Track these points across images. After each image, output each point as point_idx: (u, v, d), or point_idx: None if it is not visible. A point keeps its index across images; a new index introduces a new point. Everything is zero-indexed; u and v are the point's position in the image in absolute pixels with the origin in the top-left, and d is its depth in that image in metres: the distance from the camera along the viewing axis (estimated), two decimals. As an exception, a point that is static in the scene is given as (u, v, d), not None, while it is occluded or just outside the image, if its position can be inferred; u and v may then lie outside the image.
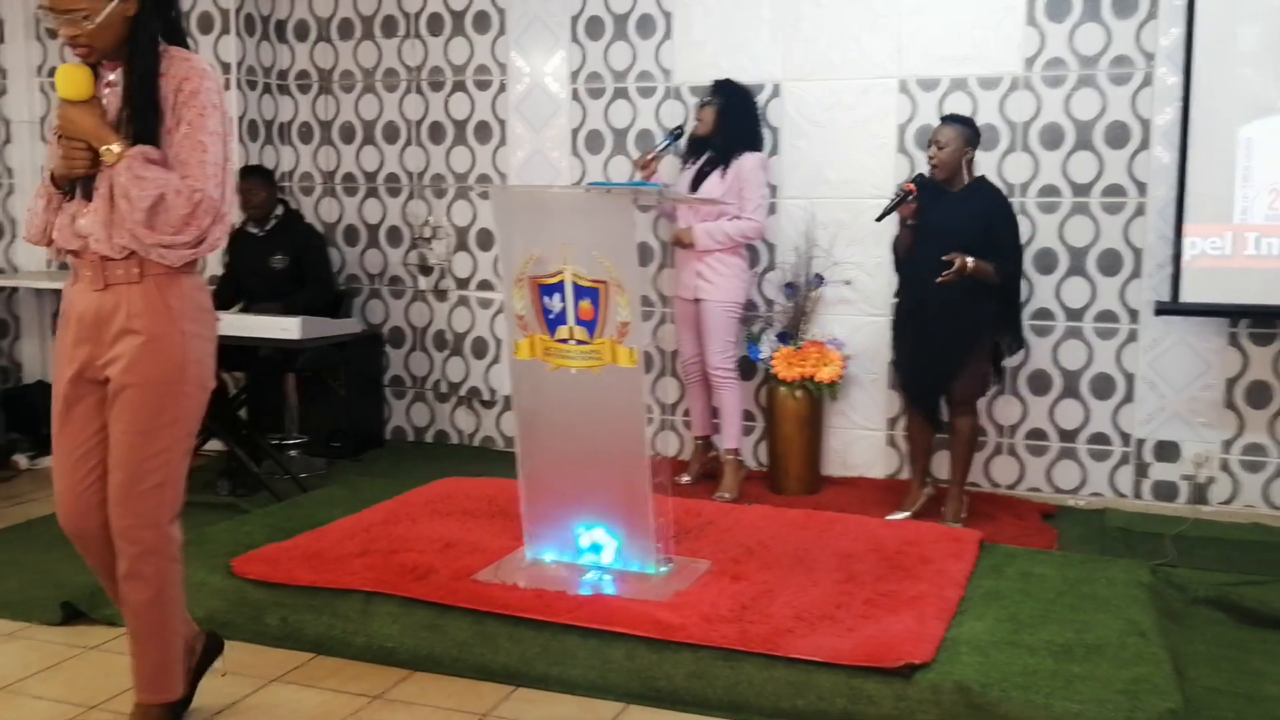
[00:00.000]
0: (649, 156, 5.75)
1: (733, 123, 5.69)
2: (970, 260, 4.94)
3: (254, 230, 6.41)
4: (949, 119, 5.25)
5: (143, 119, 2.97)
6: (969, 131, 5.18)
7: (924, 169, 5.38)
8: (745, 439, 6.20)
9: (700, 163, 5.77)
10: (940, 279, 4.95)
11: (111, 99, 3.03)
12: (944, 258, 4.93)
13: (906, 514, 5.33)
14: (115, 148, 2.92)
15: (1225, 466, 5.60)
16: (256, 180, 6.37)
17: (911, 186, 5.13)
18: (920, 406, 5.37)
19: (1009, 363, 5.59)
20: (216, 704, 3.56)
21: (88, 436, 3.10)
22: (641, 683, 3.61)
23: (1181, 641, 3.93)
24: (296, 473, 6.00)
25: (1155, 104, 5.52)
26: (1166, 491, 5.69)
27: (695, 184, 5.73)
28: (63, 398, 3.10)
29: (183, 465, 3.14)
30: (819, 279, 5.93)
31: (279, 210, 6.45)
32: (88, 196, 3.00)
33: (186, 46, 3.11)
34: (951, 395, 5.26)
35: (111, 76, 3.04)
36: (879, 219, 5.27)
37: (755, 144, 5.76)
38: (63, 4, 2.88)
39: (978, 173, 5.26)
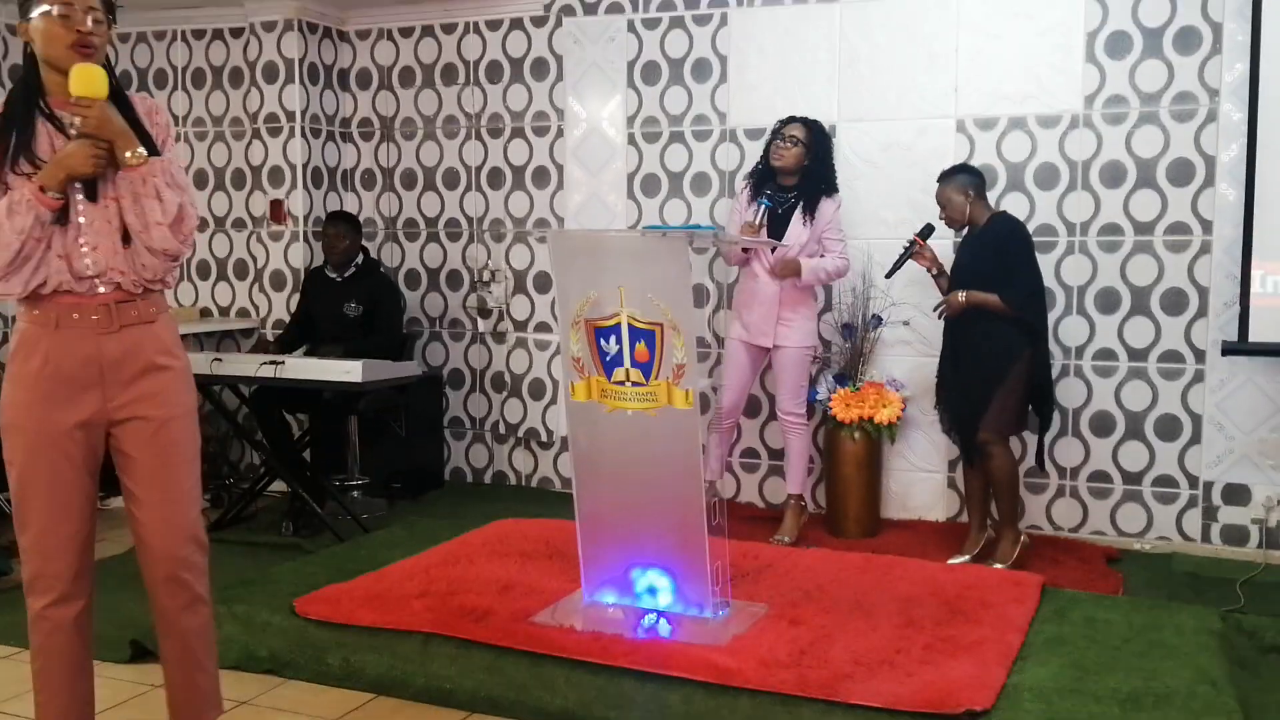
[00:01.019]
0: (756, 224, 5.51)
1: (819, 167, 5.62)
2: (962, 295, 5.08)
3: (332, 275, 6.46)
4: (944, 175, 5.33)
5: (140, 130, 2.96)
6: (964, 177, 5.26)
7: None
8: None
9: (783, 209, 5.62)
10: (936, 313, 5.20)
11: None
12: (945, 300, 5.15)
13: (966, 558, 5.27)
14: (144, 150, 2.90)
15: (1296, 510, 5.49)
16: (343, 226, 6.44)
17: (917, 239, 5.28)
18: (958, 445, 5.36)
19: (1067, 403, 5.52)
20: (277, 745, 3.58)
21: (91, 487, 3.07)
22: (698, 728, 3.58)
23: (1253, 691, 3.83)
24: (358, 514, 6.03)
25: (1220, 140, 5.45)
26: (1236, 536, 5.57)
27: (776, 227, 5.57)
28: (59, 448, 2.97)
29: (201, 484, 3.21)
30: (877, 320, 5.90)
31: (359, 258, 6.49)
32: (63, 221, 2.88)
33: None
34: (978, 435, 5.19)
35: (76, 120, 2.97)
36: (888, 276, 5.45)
37: (834, 188, 5.68)
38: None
39: (999, 208, 5.34)
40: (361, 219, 7.23)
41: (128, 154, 2.88)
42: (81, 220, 2.90)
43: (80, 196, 2.91)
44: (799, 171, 5.60)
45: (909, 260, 5.39)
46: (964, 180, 5.24)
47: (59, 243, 2.89)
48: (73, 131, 2.87)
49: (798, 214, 5.57)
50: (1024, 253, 5.17)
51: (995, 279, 5.04)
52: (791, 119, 5.65)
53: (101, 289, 2.94)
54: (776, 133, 5.64)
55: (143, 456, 3.03)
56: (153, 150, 2.95)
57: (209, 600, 3.20)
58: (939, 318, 5.31)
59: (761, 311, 5.63)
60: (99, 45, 2.91)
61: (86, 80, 2.83)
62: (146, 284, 2.99)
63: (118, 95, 2.93)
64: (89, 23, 2.87)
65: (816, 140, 5.62)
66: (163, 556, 3.07)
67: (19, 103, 2.95)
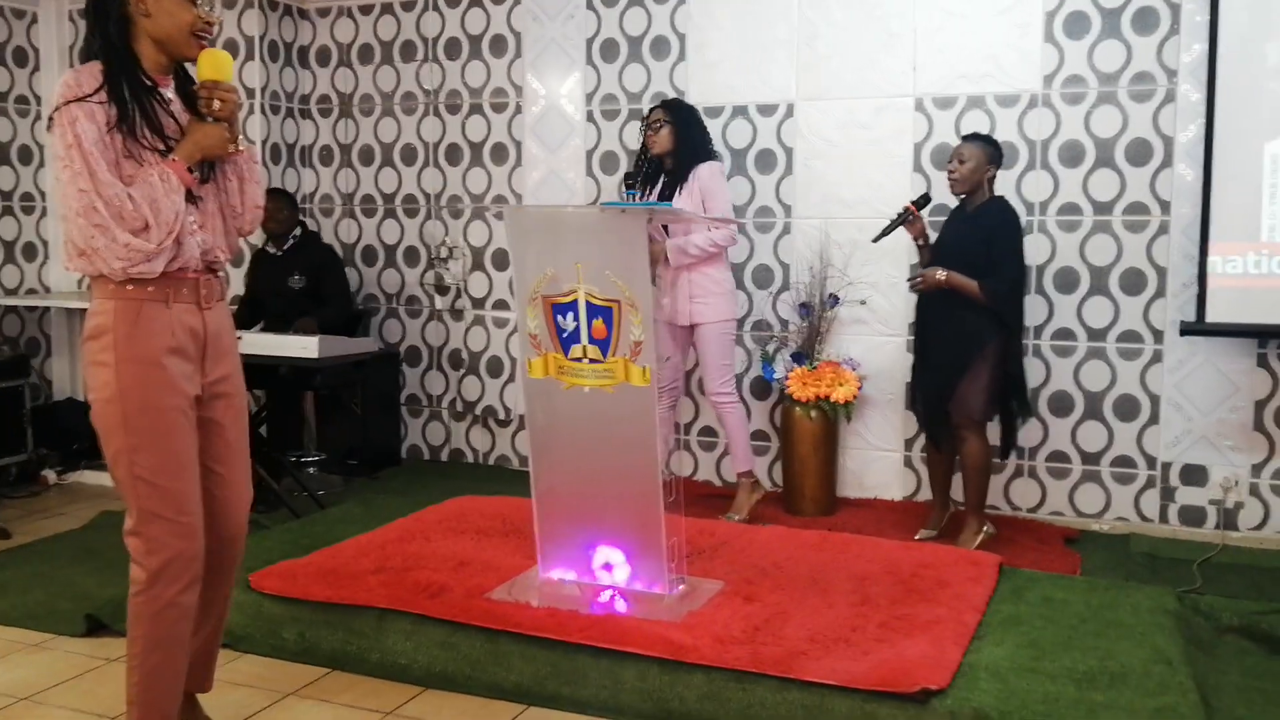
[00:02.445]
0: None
1: (690, 140, 5.63)
2: (942, 273, 5.02)
3: (272, 250, 6.48)
4: (972, 136, 5.23)
5: None
6: (992, 150, 5.16)
7: (939, 187, 5.35)
8: (760, 460, 6.16)
9: (659, 187, 5.70)
10: (914, 286, 5.14)
11: (175, 105, 3.02)
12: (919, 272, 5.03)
13: (933, 532, 5.31)
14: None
15: (1255, 491, 5.50)
16: (281, 200, 6.43)
17: (912, 206, 5.16)
18: (923, 425, 5.35)
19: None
20: (234, 717, 3.59)
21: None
22: (653, 704, 3.57)
23: (1209, 671, 3.85)
24: (314, 490, 6.01)
25: (1178, 121, 5.46)
26: (1194, 516, 5.60)
27: None
28: (184, 417, 2.97)
29: None
30: (834, 299, 5.89)
31: (296, 231, 6.49)
32: (191, 200, 2.95)
33: None
34: (950, 415, 5.19)
35: (169, 94, 3.03)
36: (876, 240, 5.36)
37: (708, 154, 5.69)
38: None
39: (999, 192, 5.22)
40: (319, 195, 7.22)
41: (240, 140, 3.00)
42: (199, 199, 2.98)
43: (196, 175, 2.96)
44: (675, 151, 5.63)
45: (899, 228, 5.29)
46: (989, 151, 5.16)
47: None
48: (209, 115, 2.93)
49: (677, 190, 5.59)
50: (1013, 244, 5.12)
51: (978, 265, 5.00)
52: (653, 107, 5.75)
53: (199, 266, 2.98)
54: (643, 123, 5.77)
55: (230, 430, 3.11)
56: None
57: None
58: (911, 289, 5.28)
59: (674, 292, 5.67)
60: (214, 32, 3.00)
61: (220, 65, 2.94)
62: (228, 262, 3.10)
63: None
64: (216, 9, 2.95)
65: (679, 116, 5.66)
66: (238, 526, 3.21)
67: (121, 75, 2.89)
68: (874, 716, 3.34)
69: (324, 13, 7.16)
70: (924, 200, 5.34)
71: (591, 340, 3.99)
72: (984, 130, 5.56)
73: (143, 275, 2.86)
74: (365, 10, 7.06)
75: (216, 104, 2.91)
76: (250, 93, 6.89)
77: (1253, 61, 5.21)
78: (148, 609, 2.97)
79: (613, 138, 6.48)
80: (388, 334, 7.16)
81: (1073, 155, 5.64)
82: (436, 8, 6.88)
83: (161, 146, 2.89)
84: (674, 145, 5.62)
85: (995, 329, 5.09)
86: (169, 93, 2.99)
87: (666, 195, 5.64)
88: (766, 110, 6.03)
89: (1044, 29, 5.63)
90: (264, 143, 6.93)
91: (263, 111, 6.93)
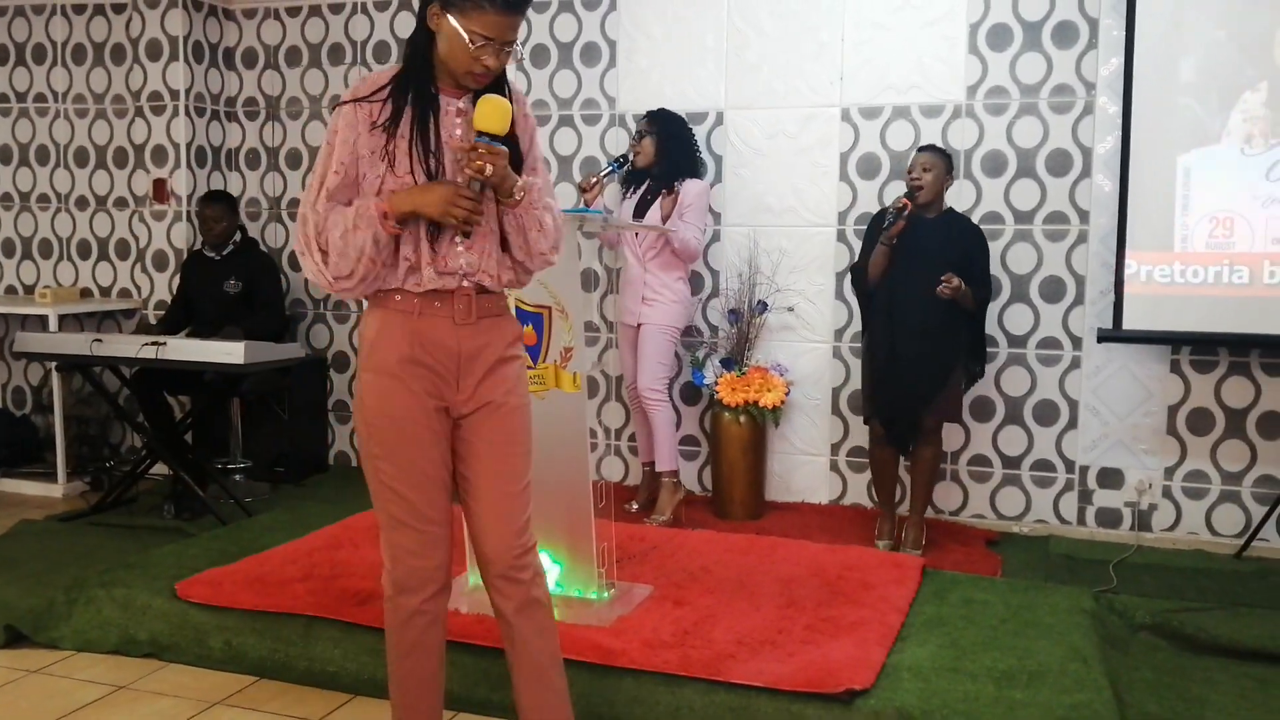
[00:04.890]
0: (593, 180, 5.67)
1: (672, 152, 5.71)
2: (956, 280, 5.01)
3: (210, 254, 6.43)
4: (930, 148, 5.31)
5: (515, 148, 2.85)
6: (948, 162, 5.26)
7: (867, 198, 5.45)
8: (689, 464, 6.23)
9: (642, 191, 5.79)
10: (942, 291, 4.98)
11: (465, 127, 2.85)
12: (943, 277, 4.97)
13: (892, 542, 5.36)
14: (524, 183, 2.81)
15: (1168, 493, 5.64)
16: (221, 206, 6.38)
17: (907, 202, 5.09)
18: (895, 434, 5.36)
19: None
20: (157, 730, 3.55)
21: (444, 474, 2.97)
22: (582, 708, 3.57)
23: (1123, 668, 3.96)
24: (240, 497, 5.94)
25: (1096, 133, 5.58)
26: (1110, 518, 5.72)
27: (638, 213, 5.75)
28: (426, 429, 2.90)
29: None
30: (762, 305, 5.95)
31: (237, 236, 6.44)
32: (467, 234, 2.80)
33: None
34: (924, 422, 5.27)
35: (460, 104, 2.86)
36: (891, 238, 5.10)
37: (697, 171, 5.81)
38: (511, 35, 2.74)
39: (901, 201, 5.29)
40: (245, 199, 7.16)
41: (515, 190, 2.79)
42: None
43: (398, 228, 2.79)
44: (657, 161, 5.71)
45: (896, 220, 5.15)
46: (946, 161, 5.24)
47: (426, 249, 2.81)
48: (465, 178, 2.74)
49: (659, 199, 5.69)
50: (989, 256, 5.33)
51: (961, 274, 5.05)
52: (641, 117, 5.85)
53: (465, 284, 2.86)
54: (632, 135, 5.86)
55: (481, 446, 2.94)
56: (517, 155, 2.85)
57: (548, 604, 3.05)
58: (940, 293, 5.01)
59: (629, 291, 5.78)
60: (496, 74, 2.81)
61: (491, 115, 2.71)
62: (507, 285, 2.95)
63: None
64: (497, 60, 2.75)
65: (664, 127, 5.74)
66: (493, 549, 2.95)
67: (409, 79, 2.82)
68: (800, 717, 3.40)
69: (250, 14, 7.10)
70: (911, 195, 5.15)
71: (522, 347, 4.01)
72: (908, 139, 5.67)
73: (345, 296, 2.87)
74: (293, 12, 7.02)
75: (475, 166, 2.70)
76: (174, 94, 6.84)
77: (1167, 77, 5.34)
78: (393, 618, 2.96)
79: (543, 144, 6.44)
80: (315, 339, 7.12)
81: (995, 165, 5.74)
82: (365, 11, 6.86)
83: (422, 155, 2.79)
84: (656, 156, 5.69)
85: (966, 337, 5.24)
86: (459, 103, 2.84)
87: (648, 202, 5.72)
88: (696, 118, 6.07)
89: (968, 41, 5.74)
90: (189, 145, 6.87)
91: (187, 114, 6.87)
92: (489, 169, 2.70)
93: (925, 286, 5.04)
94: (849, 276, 5.63)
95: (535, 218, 2.87)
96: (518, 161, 2.86)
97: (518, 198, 2.80)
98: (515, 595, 2.97)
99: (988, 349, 5.61)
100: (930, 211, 5.21)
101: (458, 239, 2.81)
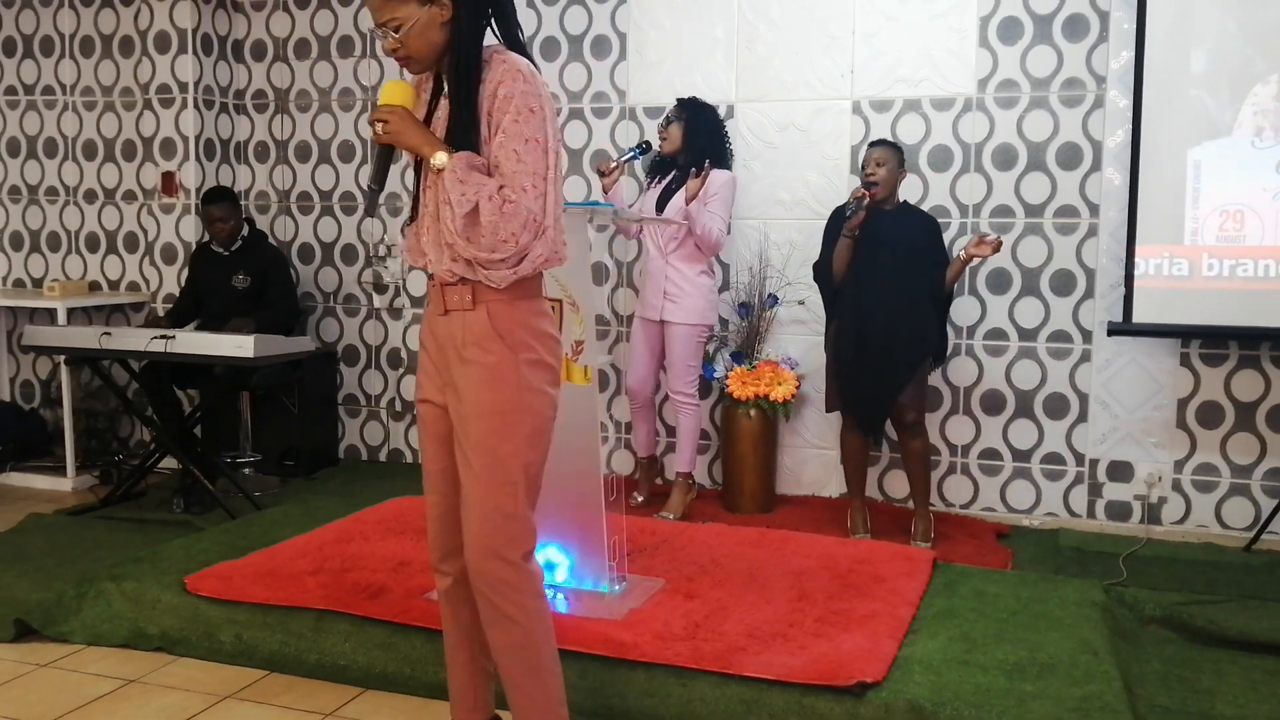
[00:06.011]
0: (612, 165, 5.56)
1: (700, 140, 5.65)
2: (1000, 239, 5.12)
3: (219, 249, 6.40)
4: (881, 142, 5.37)
5: (464, 129, 2.78)
6: (900, 156, 5.32)
7: (842, 193, 5.46)
8: (700, 458, 6.22)
9: (667, 181, 5.73)
10: (983, 249, 5.08)
11: (441, 110, 2.87)
12: (984, 237, 5.08)
13: (868, 534, 5.36)
14: (442, 156, 2.74)
15: (1177, 486, 5.64)
16: (224, 206, 6.33)
17: (866, 193, 5.13)
18: (866, 424, 5.38)
19: (958, 381, 5.62)
20: (169, 723, 3.55)
21: (443, 463, 3.01)
22: (594, 701, 3.59)
23: (1133, 660, 3.95)
24: (250, 491, 5.95)
25: (1107, 126, 5.57)
26: (1120, 511, 5.72)
27: (662, 202, 5.68)
28: (426, 415, 3.03)
29: (528, 497, 2.93)
30: (773, 299, 5.95)
31: (244, 231, 6.43)
32: (414, 217, 2.89)
33: (521, 47, 2.90)
34: (901, 413, 5.27)
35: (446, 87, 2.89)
36: (851, 230, 5.17)
37: (725, 162, 5.74)
38: (380, 17, 2.78)
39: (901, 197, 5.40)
40: (254, 192, 7.16)
41: (432, 162, 2.77)
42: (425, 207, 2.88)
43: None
44: (684, 149, 5.67)
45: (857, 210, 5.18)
46: (900, 157, 5.31)
47: (410, 229, 2.96)
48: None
49: (684, 188, 5.59)
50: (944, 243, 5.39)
51: (930, 261, 5.15)
52: (672, 104, 5.82)
53: (431, 272, 2.91)
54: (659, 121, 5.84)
55: (456, 446, 2.93)
56: (470, 147, 2.77)
57: (521, 620, 2.92)
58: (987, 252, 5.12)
59: (650, 285, 5.72)
60: (407, 51, 2.81)
61: (389, 93, 2.86)
62: (462, 276, 2.85)
63: (463, 82, 2.79)
64: (385, 43, 2.84)
65: (692, 114, 5.70)
66: (470, 543, 2.90)
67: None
68: (811, 709, 3.39)
69: (259, 6, 7.09)
70: (870, 185, 5.22)
71: (532, 340, 4.00)
72: (919, 133, 5.68)
73: None
74: (302, 4, 7.01)
75: (379, 126, 2.82)
76: (183, 87, 6.84)
77: (1177, 69, 5.33)
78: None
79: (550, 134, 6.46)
80: (325, 333, 7.13)
81: (1005, 158, 5.73)
82: (374, 4, 6.84)
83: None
84: (682, 143, 5.66)
85: (934, 324, 5.27)
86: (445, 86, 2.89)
87: (672, 191, 5.66)
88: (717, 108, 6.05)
89: (979, 34, 5.73)
90: (197, 138, 6.88)
91: (196, 106, 6.87)
92: (379, 126, 2.81)
93: (891, 276, 5.13)
94: (811, 274, 5.60)
95: (444, 192, 2.75)
96: (475, 138, 2.79)
97: (434, 165, 2.76)
98: (486, 610, 2.95)
99: (997, 341, 5.61)
100: (887, 204, 5.27)
101: (418, 227, 2.92)
